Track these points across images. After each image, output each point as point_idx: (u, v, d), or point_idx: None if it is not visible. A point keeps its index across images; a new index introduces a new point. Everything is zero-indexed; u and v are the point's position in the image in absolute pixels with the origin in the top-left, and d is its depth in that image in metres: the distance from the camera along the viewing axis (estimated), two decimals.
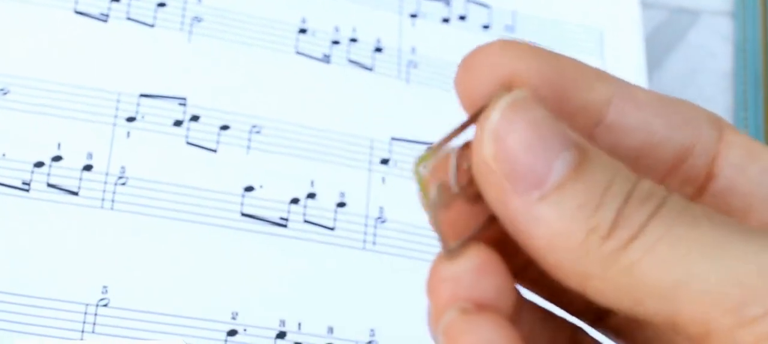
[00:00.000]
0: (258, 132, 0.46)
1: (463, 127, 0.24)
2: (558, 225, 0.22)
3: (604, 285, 0.23)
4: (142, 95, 0.46)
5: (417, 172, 0.24)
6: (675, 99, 0.27)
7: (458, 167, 0.24)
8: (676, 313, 0.22)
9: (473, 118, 0.24)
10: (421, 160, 0.24)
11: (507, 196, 0.23)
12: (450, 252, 0.24)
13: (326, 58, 0.49)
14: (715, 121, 0.27)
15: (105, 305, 0.41)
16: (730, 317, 0.22)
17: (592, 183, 0.22)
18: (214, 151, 0.45)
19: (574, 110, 0.25)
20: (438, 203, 0.24)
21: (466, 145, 0.24)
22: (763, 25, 0.58)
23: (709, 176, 0.27)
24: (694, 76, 0.57)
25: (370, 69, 0.49)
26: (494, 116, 0.23)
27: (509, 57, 0.24)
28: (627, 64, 0.53)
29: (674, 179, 0.26)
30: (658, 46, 0.57)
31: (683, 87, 0.57)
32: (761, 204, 0.26)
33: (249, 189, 0.45)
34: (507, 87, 0.24)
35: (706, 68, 0.57)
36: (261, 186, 0.45)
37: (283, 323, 0.43)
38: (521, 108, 0.23)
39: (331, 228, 0.45)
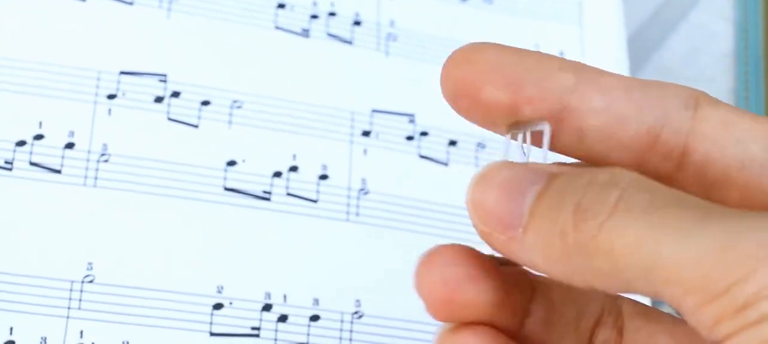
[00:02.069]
0: (239, 107, 0.46)
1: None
2: (541, 242, 0.26)
3: (593, 275, 0.25)
4: (123, 72, 0.46)
5: None
6: (648, 81, 0.29)
7: None
8: (657, 294, 0.24)
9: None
10: None
11: (501, 244, 0.27)
12: None
13: (305, 33, 0.49)
14: (690, 97, 0.28)
15: (90, 281, 0.41)
16: (692, 297, 0.23)
17: (553, 196, 0.26)
18: (196, 126, 0.46)
19: (530, 97, 0.28)
20: None
21: None
22: (764, 5, 0.58)
23: (685, 151, 0.28)
24: (695, 57, 0.57)
25: (349, 42, 0.49)
26: (469, 192, 0.27)
27: (474, 59, 0.28)
28: (606, 32, 0.53)
29: (653, 156, 0.28)
30: (660, 26, 0.57)
31: (684, 67, 0.57)
32: (738, 173, 0.28)
33: (231, 163, 0.45)
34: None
35: (707, 48, 0.58)
36: (243, 161, 0.45)
37: (268, 295, 0.43)
38: (488, 175, 0.27)
39: (315, 201, 0.45)
